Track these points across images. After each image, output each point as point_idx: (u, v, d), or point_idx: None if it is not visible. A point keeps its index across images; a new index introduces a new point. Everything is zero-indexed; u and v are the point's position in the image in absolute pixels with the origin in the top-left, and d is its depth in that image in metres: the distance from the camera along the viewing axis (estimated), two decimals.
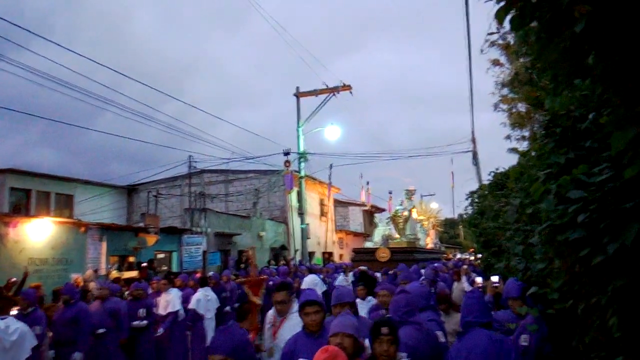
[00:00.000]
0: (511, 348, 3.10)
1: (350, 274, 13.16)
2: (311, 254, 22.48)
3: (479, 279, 6.96)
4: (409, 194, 17.72)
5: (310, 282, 11.35)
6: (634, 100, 1.46)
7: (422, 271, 9.78)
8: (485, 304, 3.34)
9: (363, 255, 15.46)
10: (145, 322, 7.52)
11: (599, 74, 1.54)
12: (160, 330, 7.85)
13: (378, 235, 17.02)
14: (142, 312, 7.59)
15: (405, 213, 16.98)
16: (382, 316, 3.91)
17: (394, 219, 17.03)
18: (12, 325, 4.81)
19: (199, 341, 8.33)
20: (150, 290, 8.37)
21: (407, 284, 5.49)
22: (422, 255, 15.61)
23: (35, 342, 5.04)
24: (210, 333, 8.29)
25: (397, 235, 16.59)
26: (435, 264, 10.45)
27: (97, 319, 6.91)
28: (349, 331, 2.78)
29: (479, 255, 14.49)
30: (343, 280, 12.66)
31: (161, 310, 8.07)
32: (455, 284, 8.89)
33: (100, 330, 6.92)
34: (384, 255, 14.56)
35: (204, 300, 8.54)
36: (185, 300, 8.62)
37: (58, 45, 9.84)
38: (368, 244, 17.00)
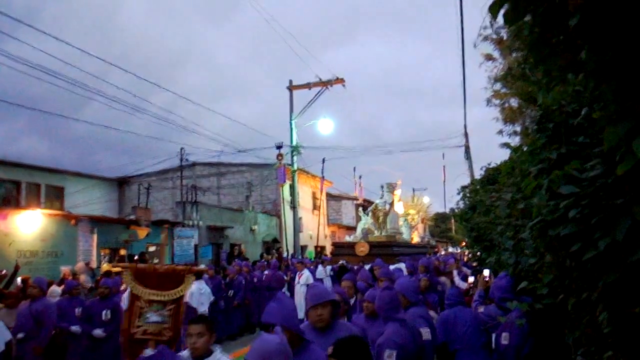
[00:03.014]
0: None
1: (328, 267, 13.12)
2: (303, 248, 22.50)
3: (471, 278, 6.97)
4: (390, 187, 17.56)
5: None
6: (626, 95, 1.46)
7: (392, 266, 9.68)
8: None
9: (343, 249, 15.35)
10: (104, 333, 6.62)
11: (592, 69, 1.53)
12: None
13: (359, 228, 16.92)
14: (106, 313, 6.69)
15: (386, 207, 16.86)
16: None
17: (373, 213, 16.92)
18: None
19: None
20: (123, 286, 7.93)
21: (384, 281, 5.46)
22: (403, 249, 15.40)
23: (10, 336, 4.89)
24: None
25: (376, 230, 16.50)
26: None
27: (19, 321, 6.13)
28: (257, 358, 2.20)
29: (469, 250, 14.54)
30: (322, 272, 12.71)
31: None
32: (443, 279, 8.92)
33: (20, 335, 6.01)
34: (362, 249, 14.46)
35: (198, 293, 8.51)
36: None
37: (46, 34, 9.73)
38: (349, 238, 16.89)
